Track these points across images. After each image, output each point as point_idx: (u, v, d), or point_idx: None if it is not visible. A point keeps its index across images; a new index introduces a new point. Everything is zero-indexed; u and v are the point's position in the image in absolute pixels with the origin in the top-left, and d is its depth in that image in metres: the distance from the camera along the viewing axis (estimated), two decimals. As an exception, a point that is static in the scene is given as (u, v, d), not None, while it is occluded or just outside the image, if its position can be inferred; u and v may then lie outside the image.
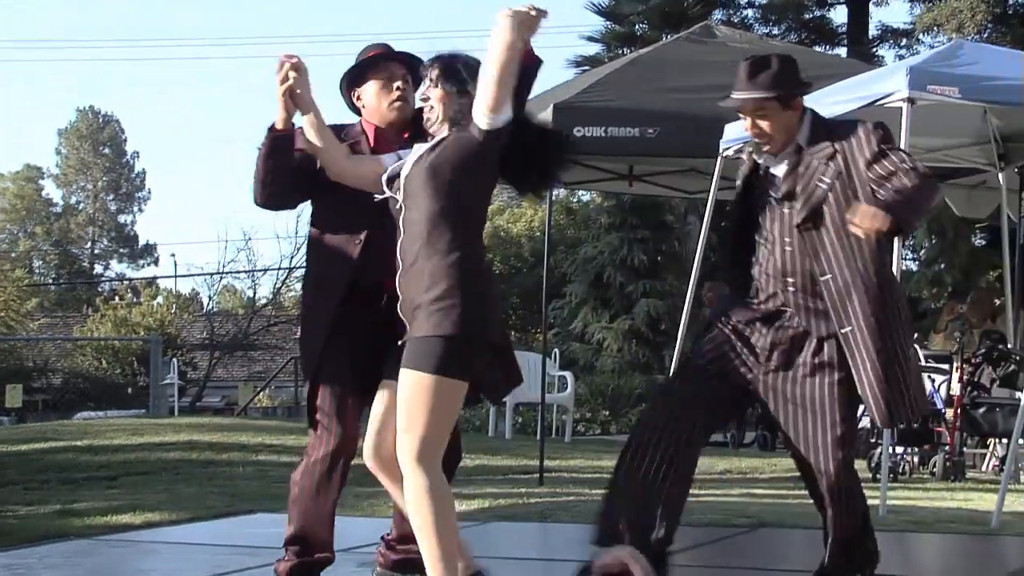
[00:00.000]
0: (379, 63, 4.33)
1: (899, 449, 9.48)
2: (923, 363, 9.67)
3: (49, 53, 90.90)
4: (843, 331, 4.07)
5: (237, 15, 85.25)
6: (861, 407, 4.23)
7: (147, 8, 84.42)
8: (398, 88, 4.29)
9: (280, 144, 4.10)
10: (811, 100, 7.95)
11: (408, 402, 3.77)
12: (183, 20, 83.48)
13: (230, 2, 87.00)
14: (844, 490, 4.23)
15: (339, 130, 4.31)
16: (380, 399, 4.11)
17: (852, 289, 4.06)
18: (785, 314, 4.20)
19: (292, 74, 4.04)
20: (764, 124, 4.21)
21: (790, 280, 4.18)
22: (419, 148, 3.97)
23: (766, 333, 4.21)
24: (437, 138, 3.93)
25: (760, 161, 4.32)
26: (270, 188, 4.21)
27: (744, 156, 4.51)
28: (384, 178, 4.00)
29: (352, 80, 4.36)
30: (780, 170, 4.24)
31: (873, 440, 9.52)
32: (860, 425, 9.91)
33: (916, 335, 10.61)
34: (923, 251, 22.22)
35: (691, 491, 4.31)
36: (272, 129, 4.10)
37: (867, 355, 4.05)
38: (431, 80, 3.96)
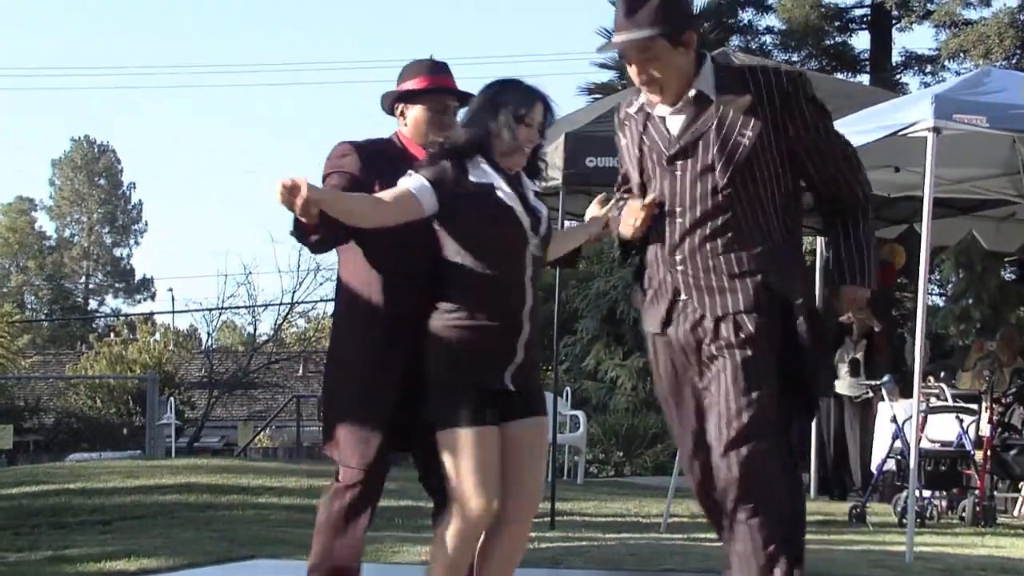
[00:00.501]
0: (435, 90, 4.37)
1: (926, 493, 9.43)
2: (951, 403, 9.65)
3: (42, 81, 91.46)
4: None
5: (237, 43, 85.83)
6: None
7: (144, 35, 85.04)
8: (450, 126, 4.34)
9: (316, 240, 4.11)
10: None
11: (542, 451, 4.11)
12: (181, 48, 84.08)
13: (230, 30, 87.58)
14: (757, 504, 3.61)
15: (378, 145, 4.35)
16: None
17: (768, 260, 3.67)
18: (679, 302, 3.77)
19: (299, 199, 3.75)
20: (653, 68, 3.71)
21: (678, 257, 3.75)
22: (538, 199, 4.14)
23: (676, 333, 3.79)
24: (536, 189, 4.16)
25: (652, 112, 3.82)
26: (319, 248, 4.29)
27: (631, 110, 3.92)
28: (527, 223, 4.06)
29: (402, 94, 4.37)
30: (676, 123, 3.76)
31: (899, 483, 9.48)
32: (886, 467, 9.93)
33: (943, 373, 10.59)
34: (950, 286, 22.18)
35: (706, 535, 4.27)
36: (300, 227, 4.00)
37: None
38: (539, 127, 4.08)
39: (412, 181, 4.04)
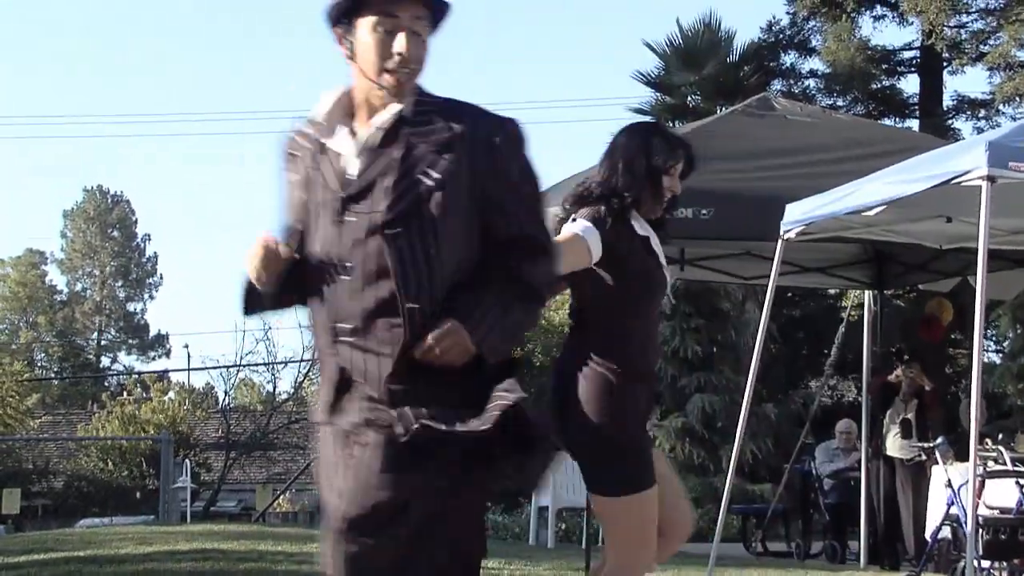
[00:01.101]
0: None
1: (985, 563, 9.33)
2: (1010, 467, 9.56)
3: (54, 129, 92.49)
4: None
5: (255, 90, 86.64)
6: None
7: (160, 83, 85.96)
8: None
9: None
10: (878, 178, 8.01)
11: None
12: (198, 96, 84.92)
13: (247, 77, 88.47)
14: None
15: None
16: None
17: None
18: (349, 382, 3.15)
19: None
20: (422, 49, 3.13)
21: (340, 326, 3.10)
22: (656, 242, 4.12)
23: (349, 414, 3.15)
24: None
25: (327, 144, 3.20)
26: None
27: (302, 141, 3.26)
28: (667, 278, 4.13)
29: None
30: (356, 159, 3.15)
31: (956, 552, 9.39)
32: (941, 535, 9.84)
33: (1001, 435, 10.51)
34: (1007, 342, 22.07)
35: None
36: None
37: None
38: (679, 174, 4.13)
39: (578, 226, 4.01)
